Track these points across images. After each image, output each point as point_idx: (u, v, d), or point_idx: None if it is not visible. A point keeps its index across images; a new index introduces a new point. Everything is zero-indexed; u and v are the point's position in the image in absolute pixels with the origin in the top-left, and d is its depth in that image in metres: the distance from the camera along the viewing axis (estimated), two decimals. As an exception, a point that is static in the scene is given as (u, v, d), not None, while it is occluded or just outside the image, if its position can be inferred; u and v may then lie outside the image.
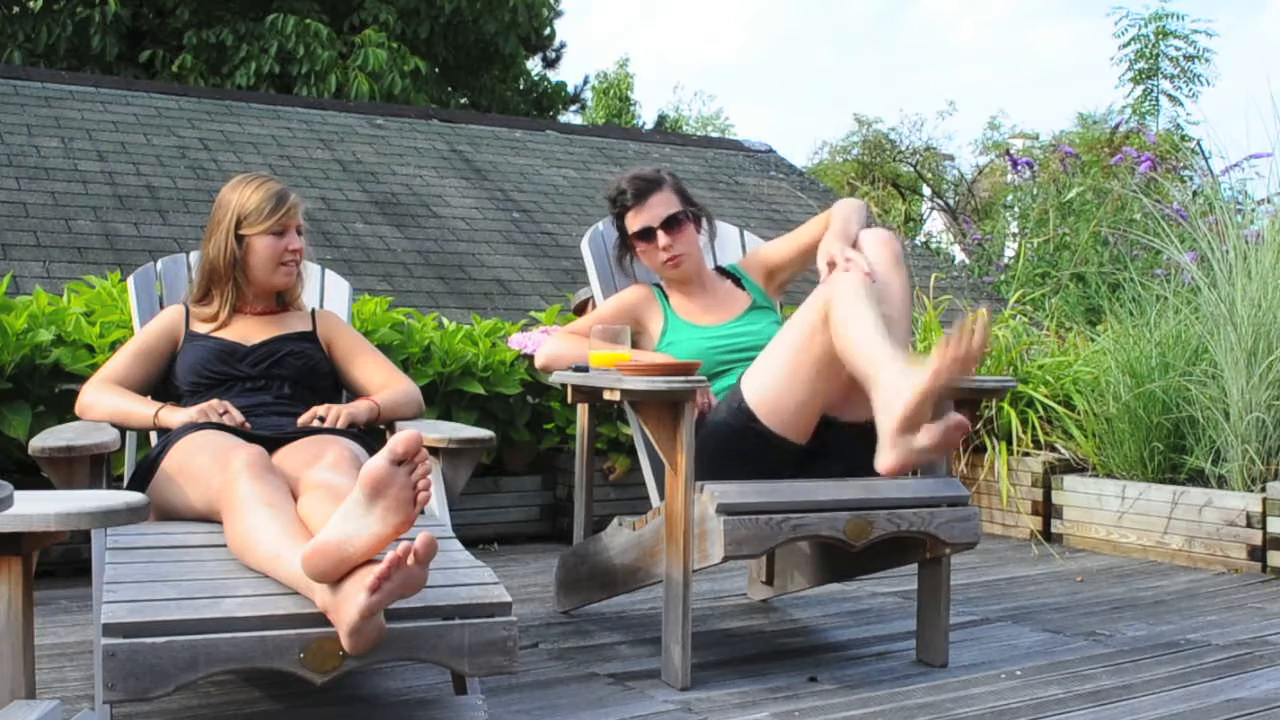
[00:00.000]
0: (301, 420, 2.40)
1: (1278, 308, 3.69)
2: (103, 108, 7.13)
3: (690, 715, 2.14)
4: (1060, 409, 4.25)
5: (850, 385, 2.30)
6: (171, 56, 11.93)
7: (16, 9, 11.75)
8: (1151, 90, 13.63)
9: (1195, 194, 5.72)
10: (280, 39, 11.63)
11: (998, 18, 48.52)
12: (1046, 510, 4.16)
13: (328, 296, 2.91)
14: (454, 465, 2.32)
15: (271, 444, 2.26)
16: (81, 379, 3.07)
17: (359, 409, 2.45)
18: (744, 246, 3.08)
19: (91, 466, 2.06)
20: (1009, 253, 8.99)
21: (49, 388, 3.35)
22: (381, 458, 1.72)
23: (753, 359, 2.61)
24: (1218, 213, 4.24)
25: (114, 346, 3.30)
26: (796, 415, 2.35)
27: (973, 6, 48.11)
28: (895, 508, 2.34)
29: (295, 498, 2.03)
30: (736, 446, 2.39)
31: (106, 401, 2.41)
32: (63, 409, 3.23)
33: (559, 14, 15.23)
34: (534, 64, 15.57)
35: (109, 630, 1.65)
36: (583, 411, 2.91)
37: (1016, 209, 9.74)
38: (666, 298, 2.79)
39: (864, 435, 2.31)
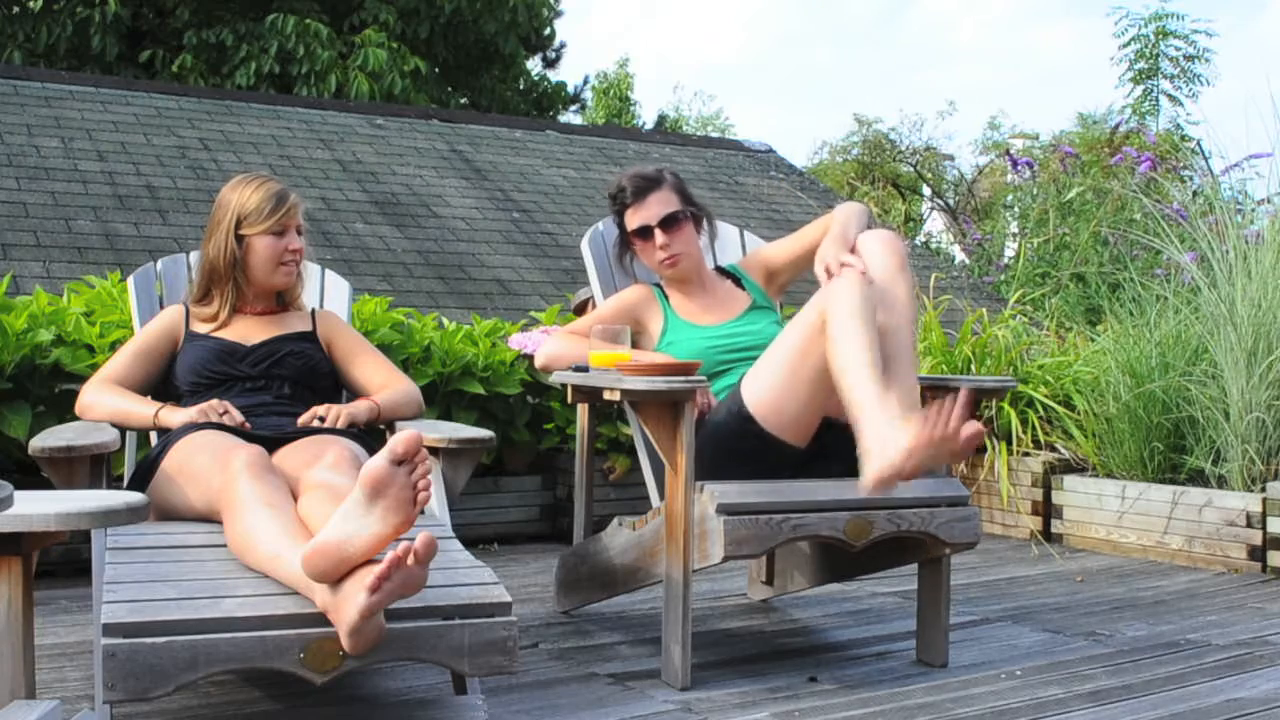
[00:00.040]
0: (301, 420, 2.40)
1: (1278, 308, 3.69)
2: (103, 108, 7.13)
3: (690, 715, 2.14)
4: (1060, 409, 4.25)
5: None
6: (171, 56, 11.93)
7: (16, 9, 11.75)
8: (1151, 90, 13.63)
9: (1195, 194, 5.72)
10: (280, 39, 11.63)
11: (998, 18, 48.54)
12: (1046, 510, 4.16)
13: (328, 296, 2.91)
14: (454, 465, 2.32)
15: (271, 444, 2.26)
16: (81, 379, 3.07)
17: (359, 409, 2.45)
18: (744, 246, 3.08)
19: (91, 466, 2.06)
20: (1009, 253, 8.99)
21: (49, 388, 3.35)
22: (381, 458, 1.72)
23: (753, 359, 2.61)
24: (1218, 213, 4.24)
25: (114, 346, 3.30)
26: (796, 419, 2.35)
27: (973, 6, 48.13)
28: (895, 508, 2.34)
29: (295, 498, 2.03)
30: (736, 447, 2.39)
31: (106, 401, 2.41)
32: (63, 409, 3.23)
33: (559, 14, 15.23)
34: (534, 64, 15.58)
35: (109, 630, 1.65)
36: (583, 411, 2.91)
37: (1016, 209, 9.74)
38: (666, 298, 2.79)
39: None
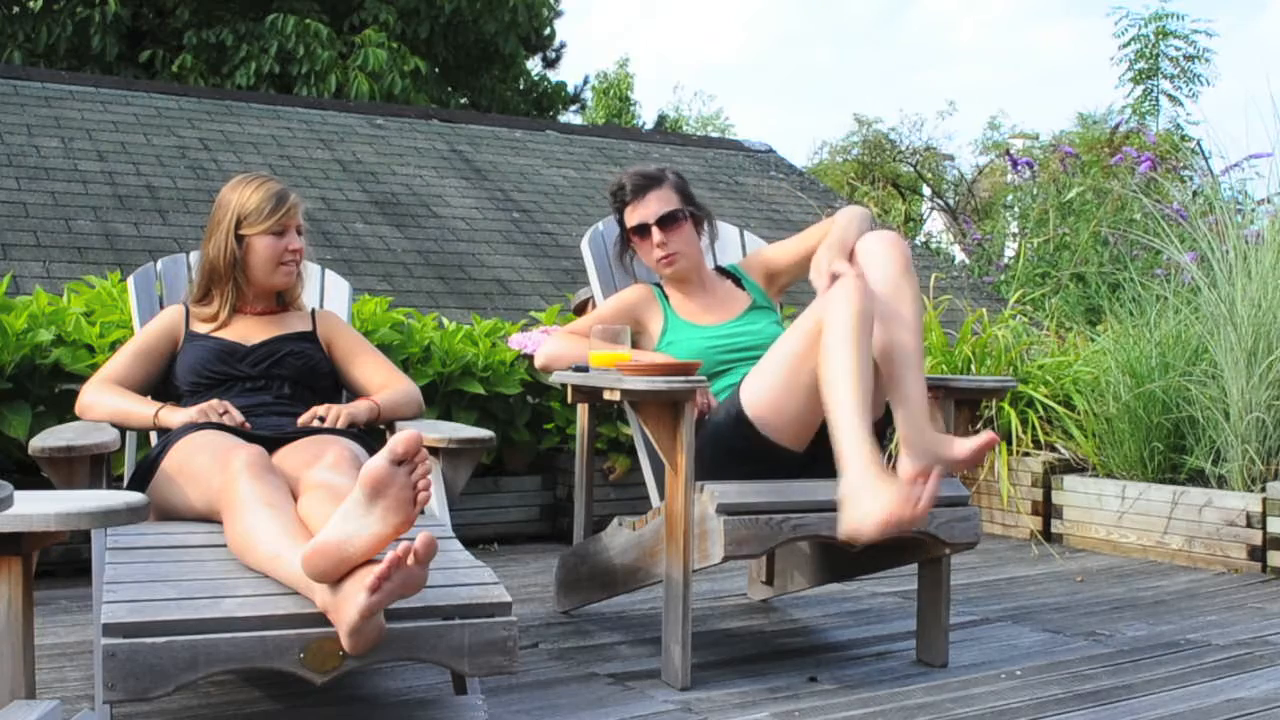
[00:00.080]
0: (301, 420, 2.40)
1: (1278, 308, 3.69)
2: (103, 108, 7.13)
3: (690, 715, 2.14)
4: (1060, 409, 4.25)
5: None
6: (171, 56, 11.93)
7: (16, 9, 11.75)
8: (1151, 90, 13.63)
9: (1195, 194, 5.72)
10: (280, 39, 11.64)
11: (998, 18, 48.55)
12: (1046, 510, 4.16)
13: (328, 296, 2.91)
14: (454, 465, 2.32)
15: (271, 444, 2.26)
16: (81, 379, 3.07)
17: (359, 409, 2.45)
18: (744, 246, 3.08)
19: (91, 466, 2.06)
20: (1009, 253, 8.99)
21: (49, 388, 3.35)
22: (381, 458, 1.72)
23: (753, 359, 2.61)
24: (1218, 213, 4.24)
25: (114, 346, 3.30)
26: (793, 424, 2.34)
27: (973, 6, 48.14)
28: (895, 508, 2.34)
29: (295, 498, 2.03)
30: (735, 448, 2.39)
31: (106, 401, 2.41)
32: (63, 409, 3.23)
33: (559, 14, 15.23)
34: (534, 64, 15.58)
35: (109, 630, 1.65)
36: (583, 411, 2.91)
37: (1016, 209, 9.74)
38: (666, 297, 2.79)
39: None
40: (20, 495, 1.44)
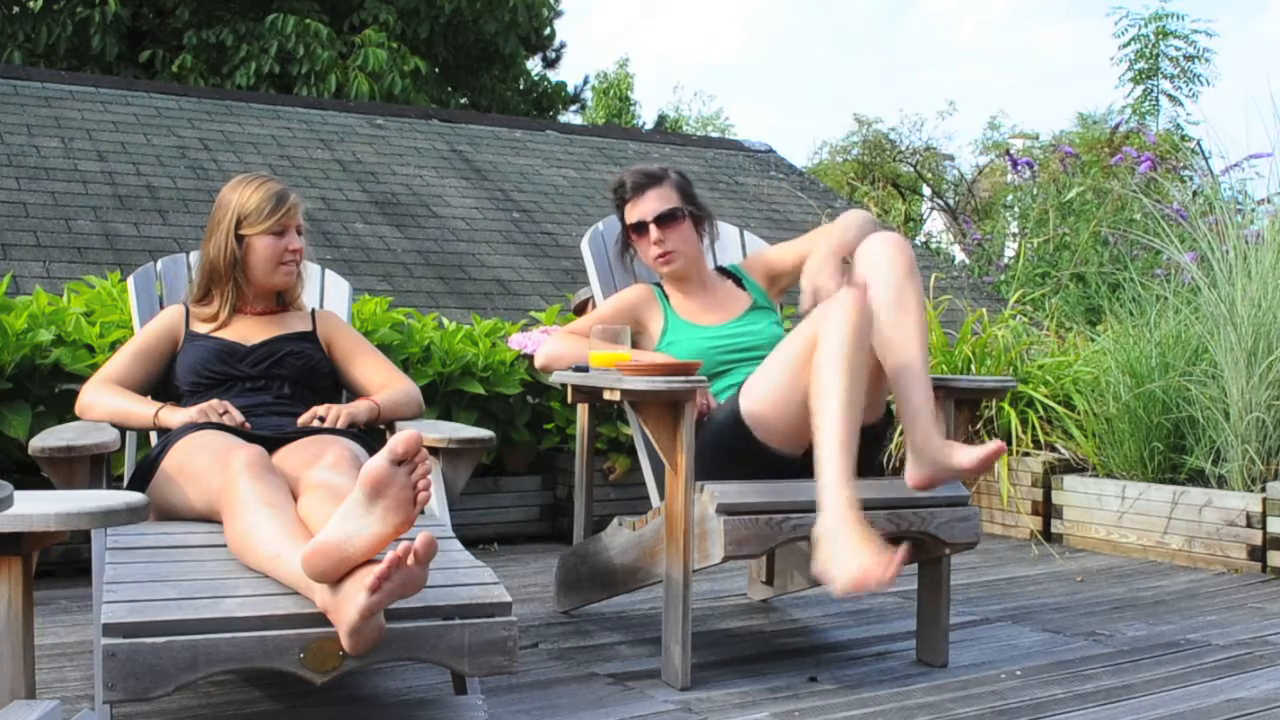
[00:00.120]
0: (301, 420, 2.40)
1: (1278, 308, 3.69)
2: (103, 108, 7.13)
3: (690, 715, 2.14)
4: (1060, 409, 4.25)
5: None
6: (171, 56, 11.93)
7: (16, 9, 11.75)
8: (1151, 90, 13.63)
9: (1195, 194, 5.72)
10: (280, 39, 11.64)
11: (998, 18, 48.55)
12: (1046, 510, 4.16)
13: (328, 296, 2.91)
14: (454, 465, 2.32)
15: (271, 444, 2.26)
16: (81, 379, 3.07)
17: (359, 409, 2.45)
18: (744, 246, 3.08)
19: (91, 466, 2.06)
20: (1009, 253, 8.99)
21: (49, 388, 3.35)
22: (381, 458, 1.72)
23: (753, 359, 2.61)
24: (1218, 213, 4.24)
25: (114, 346, 3.30)
26: (791, 430, 2.32)
27: (973, 6, 48.14)
28: (895, 508, 2.34)
29: (295, 498, 2.03)
30: (735, 450, 2.39)
31: (106, 401, 2.41)
32: (63, 409, 3.23)
33: (559, 14, 15.23)
34: (534, 64, 15.58)
35: (109, 630, 1.65)
36: (583, 411, 2.91)
37: (1016, 209, 9.74)
38: (667, 297, 2.78)
39: (862, 438, 2.30)
40: (20, 495, 1.44)
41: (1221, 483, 3.75)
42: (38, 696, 1.68)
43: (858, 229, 2.59)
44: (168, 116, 7.25)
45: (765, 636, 2.79)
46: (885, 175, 17.73)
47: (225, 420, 2.30)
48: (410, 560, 1.65)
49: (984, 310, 5.03)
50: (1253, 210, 5.22)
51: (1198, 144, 11.04)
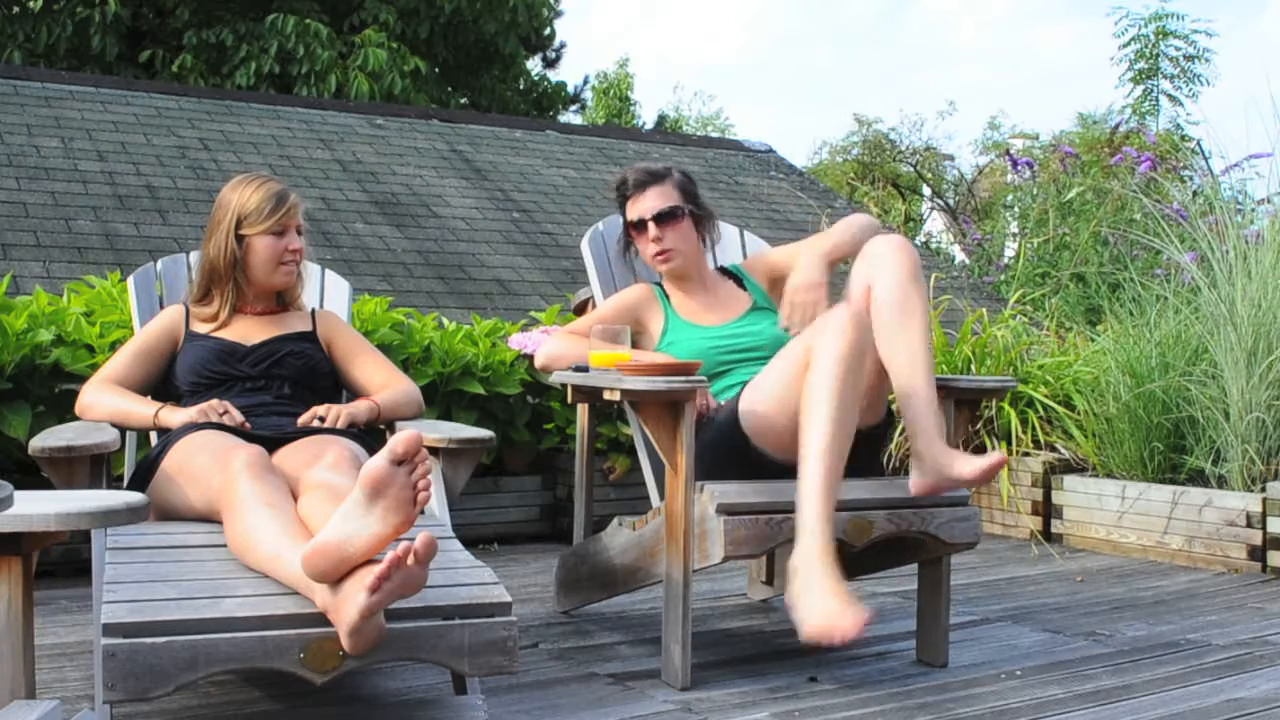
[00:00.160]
0: (301, 420, 2.40)
1: (1278, 308, 3.69)
2: (103, 108, 7.13)
3: (690, 715, 2.14)
4: (1060, 409, 4.25)
5: None
6: (171, 56, 11.93)
7: (16, 9, 11.75)
8: (1151, 90, 13.63)
9: (1195, 194, 5.72)
10: (280, 39, 11.64)
11: (998, 18, 48.56)
12: (1046, 510, 4.16)
13: (328, 296, 2.91)
14: (454, 465, 2.32)
15: (271, 444, 2.26)
16: (81, 379, 3.07)
17: (359, 409, 2.45)
18: (744, 246, 3.08)
19: (91, 466, 2.06)
20: (1009, 253, 8.99)
21: (49, 388, 3.35)
22: (381, 458, 1.72)
23: (753, 359, 2.61)
24: (1218, 213, 4.24)
25: (114, 346, 3.30)
26: (787, 440, 2.28)
27: (973, 6, 48.15)
28: (895, 508, 2.34)
29: (295, 498, 2.03)
30: (735, 451, 2.39)
31: (106, 401, 2.41)
32: (63, 409, 3.23)
33: (559, 14, 15.23)
34: (534, 64, 15.58)
35: (109, 630, 1.65)
36: (583, 411, 2.90)
37: (1016, 209, 9.74)
38: (667, 297, 2.78)
39: (862, 439, 2.31)
40: (20, 495, 1.44)
41: (1221, 483, 3.75)
42: (38, 696, 1.68)
43: (855, 234, 2.59)
44: (168, 116, 7.25)
45: (765, 636, 2.79)
46: (885, 175, 17.74)
47: (225, 420, 2.30)
48: (410, 560, 1.65)
49: (984, 310, 5.03)
50: (1253, 210, 5.22)
51: (1198, 144, 11.05)
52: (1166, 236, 4.41)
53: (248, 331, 2.54)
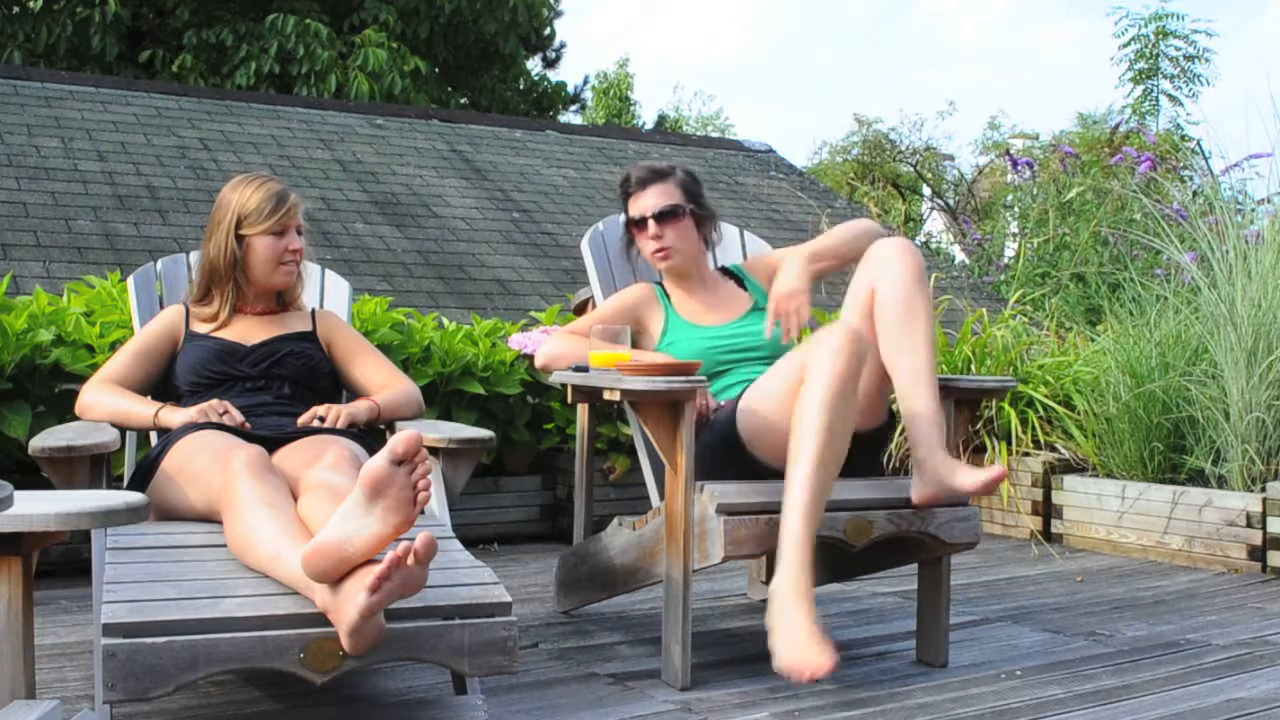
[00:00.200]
0: (301, 420, 2.40)
1: (1278, 308, 3.69)
2: (103, 108, 7.13)
3: (690, 715, 2.14)
4: (1060, 409, 4.25)
5: None
6: (171, 56, 11.93)
7: (16, 9, 11.75)
8: (1151, 90, 13.63)
9: (1195, 194, 5.72)
10: (280, 39, 11.64)
11: (998, 18, 48.57)
12: (1046, 510, 4.16)
13: (328, 296, 2.91)
14: (454, 465, 2.32)
15: (271, 444, 2.26)
16: (81, 379, 3.07)
17: (359, 409, 2.45)
18: (744, 246, 3.08)
19: (91, 466, 2.06)
20: (1009, 253, 8.99)
21: (49, 388, 3.35)
22: (381, 458, 1.72)
23: (753, 359, 2.61)
24: (1218, 213, 4.24)
25: (114, 346, 3.30)
26: (780, 447, 2.26)
27: (973, 6, 48.15)
28: (895, 508, 2.34)
29: (295, 498, 2.03)
30: (734, 454, 2.39)
31: (106, 401, 2.41)
32: (63, 409, 3.23)
33: (559, 14, 15.23)
34: (534, 64, 15.58)
35: (109, 630, 1.65)
36: (583, 411, 2.90)
37: (1016, 209, 9.74)
38: (668, 297, 2.78)
39: (863, 440, 2.31)
40: (20, 495, 1.44)
41: (1221, 483, 3.75)
42: (38, 696, 1.68)
43: (848, 238, 2.59)
44: (168, 116, 7.25)
45: (765, 636, 2.78)
46: (885, 175, 17.73)
47: (225, 420, 2.30)
48: (410, 560, 1.65)
49: (984, 310, 5.03)
50: (1253, 210, 5.22)
51: (1198, 144, 11.05)
52: (1166, 236, 4.41)
53: (248, 331, 2.55)
